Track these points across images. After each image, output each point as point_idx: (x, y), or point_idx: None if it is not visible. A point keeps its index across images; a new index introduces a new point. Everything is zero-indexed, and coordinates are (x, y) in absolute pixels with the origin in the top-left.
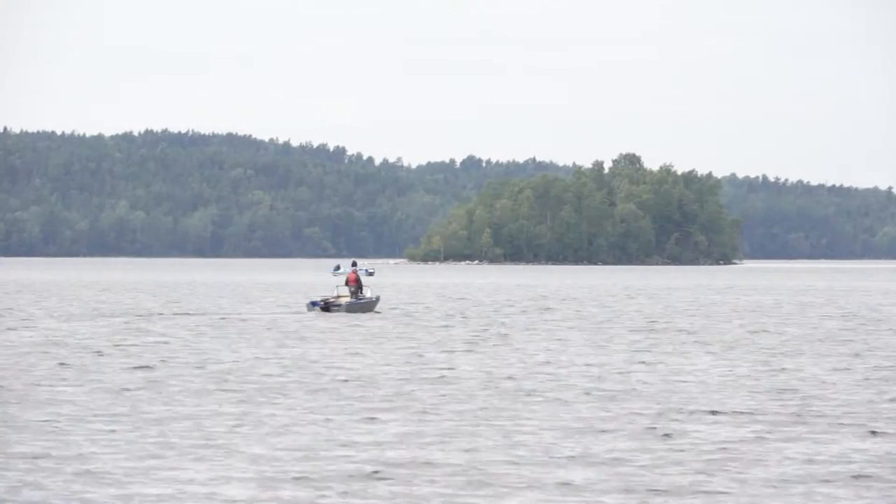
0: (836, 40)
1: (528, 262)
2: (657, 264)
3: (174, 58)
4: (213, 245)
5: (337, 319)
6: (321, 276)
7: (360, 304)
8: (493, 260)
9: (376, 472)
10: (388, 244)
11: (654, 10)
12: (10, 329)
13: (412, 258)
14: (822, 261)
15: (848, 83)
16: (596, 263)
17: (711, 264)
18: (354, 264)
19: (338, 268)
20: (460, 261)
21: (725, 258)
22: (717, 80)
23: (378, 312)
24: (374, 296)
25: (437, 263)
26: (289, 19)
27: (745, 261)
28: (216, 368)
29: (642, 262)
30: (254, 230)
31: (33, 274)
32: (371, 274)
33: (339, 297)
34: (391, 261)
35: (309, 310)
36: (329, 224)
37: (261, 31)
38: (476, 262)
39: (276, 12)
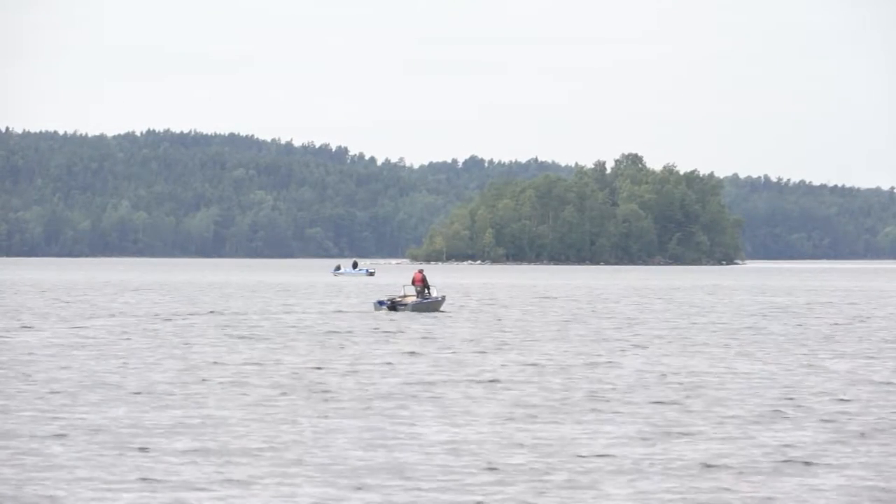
0: (837, 40)
1: (530, 262)
2: (659, 264)
3: (176, 58)
4: (216, 245)
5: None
6: (325, 277)
7: (427, 304)
8: (496, 260)
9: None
10: (391, 244)
11: (655, 11)
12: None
13: (414, 258)
14: (825, 261)
15: (849, 83)
16: (598, 263)
17: (714, 264)
18: (355, 265)
19: (338, 268)
20: (462, 261)
21: (728, 258)
22: (718, 80)
23: (444, 312)
24: (439, 295)
25: (440, 263)
26: (290, 19)
27: (747, 261)
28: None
29: (644, 263)
30: (256, 230)
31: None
32: (372, 274)
33: (405, 296)
34: (393, 261)
35: (376, 309)
36: (331, 224)
37: (262, 30)
38: (478, 262)
39: (277, 12)
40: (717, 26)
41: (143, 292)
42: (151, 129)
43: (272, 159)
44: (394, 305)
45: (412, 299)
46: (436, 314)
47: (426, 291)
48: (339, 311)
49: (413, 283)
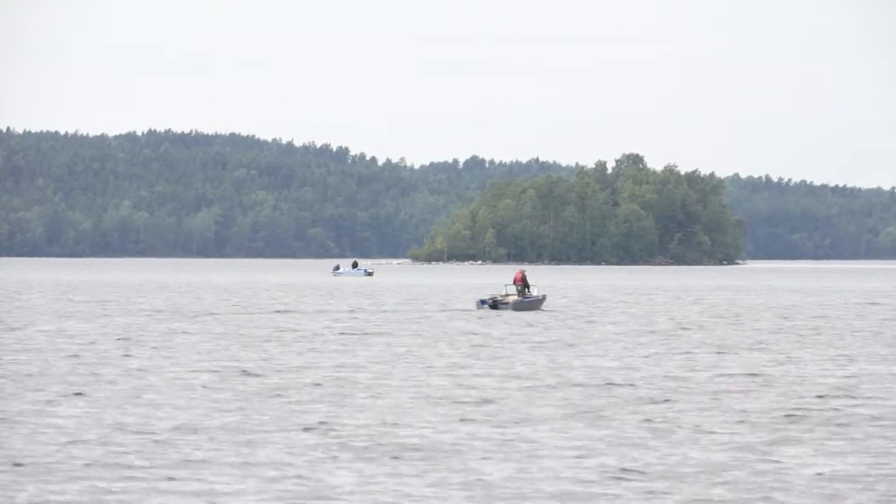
0: (837, 40)
1: (531, 262)
2: (660, 264)
3: (177, 58)
4: (217, 245)
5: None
6: (325, 277)
7: (527, 303)
8: (497, 260)
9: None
10: (392, 244)
11: (656, 10)
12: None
13: (416, 258)
14: (826, 261)
15: (850, 83)
16: (599, 263)
17: (715, 264)
18: (355, 265)
19: (337, 268)
20: (464, 261)
21: (729, 258)
22: (719, 79)
23: (544, 311)
24: (540, 294)
25: (441, 264)
26: (292, 19)
27: (748, 261)
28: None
29: (645, 263)
30: (257, 230)
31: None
32: (370, 274)
33: (507, 295)
34: (394, 261)
35: (478, 308)
36: (332, 224)
37: (264, 31)
38: (479, 262)
39: (278, 12)
40: (718, 26)
41: (252, 292)
42: (152, 129)
43: (273, 159)
44: (495, 304)
45: (513, 298)
46: (537, 312)
47: (527, 290)
48: (446, 311)
49: (514, 282)
